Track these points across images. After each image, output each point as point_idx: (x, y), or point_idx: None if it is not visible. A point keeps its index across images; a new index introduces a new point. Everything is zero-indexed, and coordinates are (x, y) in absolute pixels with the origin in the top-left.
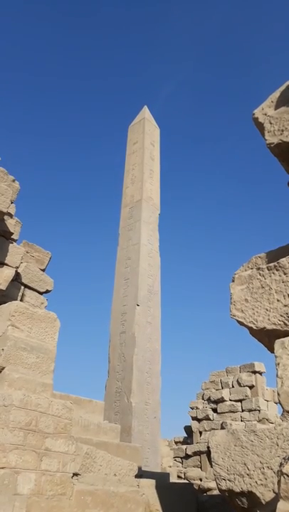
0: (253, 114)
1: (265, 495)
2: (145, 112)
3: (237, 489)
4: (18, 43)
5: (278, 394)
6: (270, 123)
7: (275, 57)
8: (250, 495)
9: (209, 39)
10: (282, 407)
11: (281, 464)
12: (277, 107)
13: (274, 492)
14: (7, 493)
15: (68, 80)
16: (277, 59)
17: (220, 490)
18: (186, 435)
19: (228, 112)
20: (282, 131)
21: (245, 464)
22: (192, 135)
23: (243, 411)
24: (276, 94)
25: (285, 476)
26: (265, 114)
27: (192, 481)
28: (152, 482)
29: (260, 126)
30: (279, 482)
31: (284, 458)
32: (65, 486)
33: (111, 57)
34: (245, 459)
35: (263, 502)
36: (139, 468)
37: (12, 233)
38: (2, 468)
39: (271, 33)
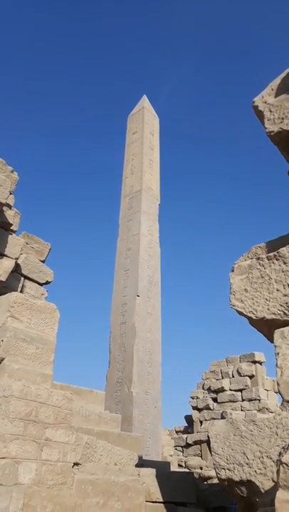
0: (253, 102)
1: (265, 484)
2: (144, 101)
3: (236, 478)
4: (19, 31)
5: (278, 384)
6: (270, 111)
7: (277, 46)
8: (249, 484)
9: (210, 30)
10: (282, 397)
11: (280, 454)
12: (277, 95)
13: (273, 481)
14: (8, 483)
15: (69, 70)
16: (278, 47)
17: (219, 479)
18: (186, 424)
19: (229, 103)
20: (283, 119)
21: (244, 454)
22: (193, 125)
23: (243, 400)
24: (276, 81)
25: (284, 465)
26: (265, 102)
27: (193, 470)
28: (153, 471)
29: (260, 115)
30: (278, 471)
31: (283, 447)
32: (66, 476)
33: (114, 48)
34: (244, 448)
35: (262, 491)
36: (140, 458)
37: (11, 224)
38: (3, 458)
39: (272, 21)
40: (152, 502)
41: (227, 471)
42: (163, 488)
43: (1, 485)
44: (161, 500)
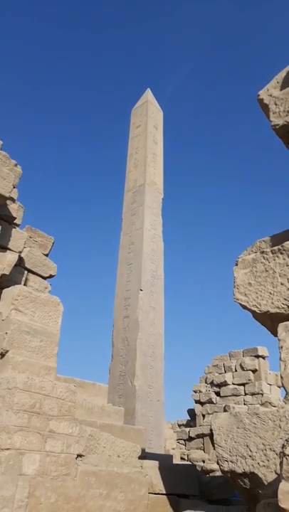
0: (258, 95)
1: (268, 476)
2: (148, 95)
3: (239, 470)
4: (21, 23)
5: (281, 377)
6: (276, 104)
7: (281, 40)
8: (252, 476)
9: (216, 26)
10: (286, 390)
11: (283, 446)
12: (283, 88)
13: (276, 473)
14: (12, 473)
15: (75, 64)
16: (282, 41)
17: (222, 471)
18: (189, 418)
19: (234, 98)
20: (288, 112)
21: (247, 446)
22: (197, 120)
23: (246, 394)
24: (282, 74)
25: (288, 457)
26: (271, 95)
27: (195, 463)
28: (155, 463)
29: (265, 108)
30: (281, 463)
31: (286, 440)
32: (70, 467)
33: (119, 43)
34: (247, 441)
35: (265, 483)
36: (143, 450)
37: (15, 218)
38: (7, 449)
39: (276, 17)
40: (155, 494)
41: (230, 463)
42: (166, 480)
43: (5, 475)
44: (164, 492)
